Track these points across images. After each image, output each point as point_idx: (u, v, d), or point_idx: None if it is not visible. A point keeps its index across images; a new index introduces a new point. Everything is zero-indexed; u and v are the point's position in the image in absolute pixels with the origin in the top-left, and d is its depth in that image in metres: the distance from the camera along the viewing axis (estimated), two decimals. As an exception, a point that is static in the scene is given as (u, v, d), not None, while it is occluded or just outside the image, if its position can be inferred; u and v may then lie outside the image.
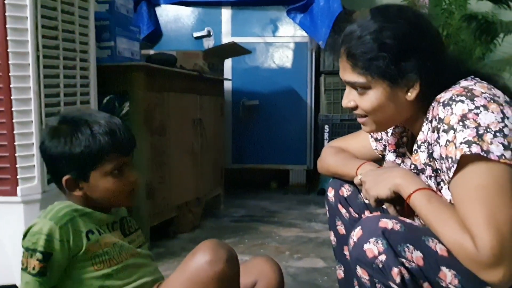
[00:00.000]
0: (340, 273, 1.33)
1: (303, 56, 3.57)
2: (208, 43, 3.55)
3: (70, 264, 0.98)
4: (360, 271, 0.94)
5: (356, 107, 1.06)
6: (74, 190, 1.02)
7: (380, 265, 0.90)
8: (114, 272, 1.00)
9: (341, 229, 1.30)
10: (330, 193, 1.32)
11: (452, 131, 0.90)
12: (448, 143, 0.90)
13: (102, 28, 2.08)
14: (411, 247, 0.90)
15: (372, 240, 0.91)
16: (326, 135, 3.46)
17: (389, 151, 1.23)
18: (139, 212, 2.09)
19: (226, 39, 3.55)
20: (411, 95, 1.01)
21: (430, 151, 0.99)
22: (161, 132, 2.30)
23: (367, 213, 1.26)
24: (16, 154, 1.54)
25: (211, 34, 3.57)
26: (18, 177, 1.55)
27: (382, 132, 1.26)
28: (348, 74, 1.04)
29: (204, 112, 2.76)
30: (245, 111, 3.62)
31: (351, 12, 3.30)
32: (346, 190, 1.29)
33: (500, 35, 2.69)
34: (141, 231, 1.14)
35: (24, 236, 0.97)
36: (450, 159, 0.90)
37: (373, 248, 0.91)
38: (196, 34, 3.57)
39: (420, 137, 1.04)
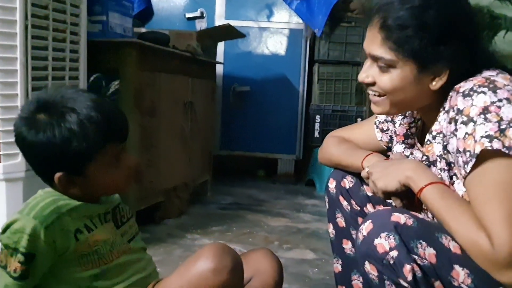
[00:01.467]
0: (338, 267, 1.29)
1: (297, 44, 3.51)
2: (201, 25, 3.45)
3: (55, 263, 0.87)
4: (368, 266, 0.89)
5: (373, 84, 0.99)
6: (69, 188, 0.89)
7: (391, 261, 0.86)
8: (103, 272, 0.91)
9: (341, 221, 1.26)
10: (331, 184, 1.27)
11: (472, 124, 0.85)
12: (466, 136, 0.85)
13: (94, 1, 1.98)
14: (424, 243, 0.86)
15: (383, 234, 0.87)
16: (317, 125, 3.42)
17: (397, 142, 1.18)
18: (126, 196, 2.02)
19: (219, 21, 3.46)
20: (436, 84, 0.95)
21: (445, 143, 0.94)
22: (151, 113, 2.22)
23: (369, 206, 1.22)
24: (-1, 129, 1.45)
25: (204, 15, 3.47)
26: (0, 153, 1.47)
27: (389, 123, 1.21)
28: (375, 46, 0.96)
29: (196, 95, 2.68)
30: (236, 97, 3.55)
31: (349, 1, 3.25)
32: (348, 182, 1.24)
33: (499, 32, 2.68)
34: (134, 220, 1.04)
35: (4, 231, 0.85)
36: (468, 153, 0.85)
37: (385, 243, 0.86)
38: (188, 15, 3.47)
39: (436, 127, 0.99)
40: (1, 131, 1.46)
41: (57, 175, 0.87)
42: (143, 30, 2.74)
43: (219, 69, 3.40)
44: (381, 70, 0.97)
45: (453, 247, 0.87)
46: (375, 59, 0.98)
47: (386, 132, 1.23)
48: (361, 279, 1.26)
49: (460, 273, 0.85)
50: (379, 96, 1.00)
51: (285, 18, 3.51)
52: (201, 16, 3.46)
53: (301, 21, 3.39)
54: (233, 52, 3.52)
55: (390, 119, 1.22)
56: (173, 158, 2.48)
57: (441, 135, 0.98)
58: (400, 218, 0.89)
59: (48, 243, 0.84)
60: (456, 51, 0.92)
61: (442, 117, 0.98)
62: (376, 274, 0.89)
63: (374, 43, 0.97)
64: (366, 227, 0.90)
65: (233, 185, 3.36)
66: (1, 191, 1.49)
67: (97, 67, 2.01)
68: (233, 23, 3.18)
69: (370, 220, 0.91)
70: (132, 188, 2.07)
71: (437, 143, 0.99)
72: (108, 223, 0.95)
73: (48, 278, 0.88)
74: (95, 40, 1.94)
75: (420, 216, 0.93)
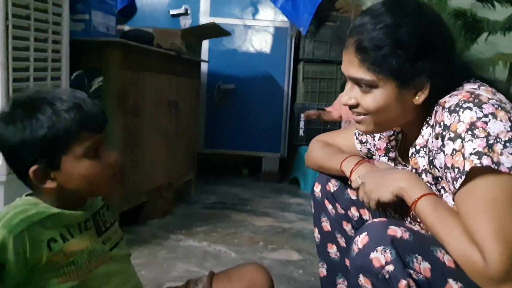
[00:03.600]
0: (323, 271, 1.30)
1: (282, 42, 3.50)
2: (185, 22, 3.42)
3: (31, 274, 0.83)
4: (362, 279, 0.89)
5: (357, 105, 0.99)
6: (44, 182, 0.85)
7: (387, 276, 0.85)
8: (81, 283, 0.87)
9: (326, 225, 1.26)
10: (317, 189, 1.27)
11: (459, 140, 0.85)
12: (454, 152, 0.85)
13: (77, -1, 1.94)
14: (419, 257, 0.86)
15: (380, 248, 0.86)
16: (301, 124, 3.42)
17: (379, 155, 1.18)
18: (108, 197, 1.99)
19: (203, 18, 3.43)
20: (419, 98, 0.95)
21: (431, 158, 0.94)
22: (135, 113, 2.19)
23: (353, 209, 1.23)
24: (-22, 132, 1.41)
25: (189, 12, 3.44)
26: (-20, 156, 1.43)
27: (367, 135, 1.21)
28: (354, 69, 0.96)
29: (180, 94, 2.66)
30: (220, 95, 3.53)
31: (334, 0, 3.26)
32: (332, 186, 1.25)
33: (481, 34, 2.71)
34: (118, 225, 1.01)
35: None
36: (456, 169, 0.85)
37: (381, 257, 0.85)
38: (172, 12, 3.43)
39: (419, 141, 0.99)
40: (-19, 134, 1.42)
41: (32, 168, 0.83)
42: (126, 27, 2.70)
43: (204, 67, 3.37)
44: (362, 91, 0.97)
45: (447, 260, 0.87)
46: (356, 81, 0.97)
47: (365, 144, 1.23)
48: (345, 283, 1.27)
49: (453, 287, 0.86)
50: (363, 115, 1.00)
51: (270, 16, 3.50)
52: (185, 13, 3.42)
53: (286, 19, 3.39)
54: (218, 50, 3.50)
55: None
56: (157, 157, 2.46)
57: (425, 149, 0.98)
58: (397, 231, 0.88)
59: (17, 253, 0.80)
60: (434, 64, 0.92)
61: (425, 131, 0.98)
62: (370, 287, 0.88)
63: (352, 66, 0.96)
64: (361, 240, 0.89)
65: (217, 184, 3.35)
66: (-19, 195, 1.45)
67: (80, 67, 1.98)
68: (218, 20, 3.15)
69: (366, 233, 0.90)
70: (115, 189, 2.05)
71: (421, 157, 0.99)
72: (89, 231, 0.91)
73: None
74: (78, 39, 1.90)
75: (416, 228, 0.93)
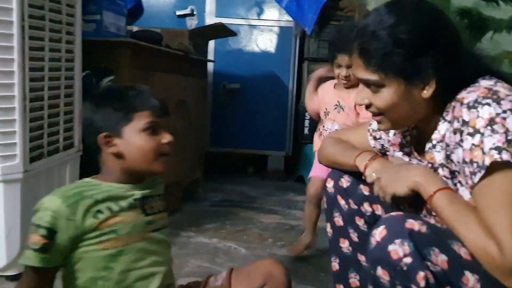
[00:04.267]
0: (335, 266, 1.32)
1: (287, 41, 3.53)
2: (191, 22, 3.45)
3: (75, 241, 0.94)
4: (380, 271, 0.90)
5: (370, 105, 1.03)
6: (109, 146, 1.00)
7: (405, 268, 0.87)
8: (119, 253, 0.96)
9: (339, 220, 1.29)
10: (329, 184, 1.30)
11: (478, 135, 0.87)
12: (473, 147, 0.87)
13: (88, 0, 1.97)
14: (436, 250, 0.88)
15: (398, 241, 0.88)
16: (306, 122, 3.44)
17: (394, 151, 1.20)
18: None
19: (209, 19, 3.45)
20: (427, 92, 0.97)
21: (448, 153, 0.96)
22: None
23: (366, 205, 1.25)
24: (-3, 130, 1.44)
25: (194, 13, 3.46)
26: (-2, 154, 1.46)
27: (381, 132, 1.24)
28: (361, 71, 1.00)
29: (188, 93, 2.69)
30: (226, 94, 3.56)
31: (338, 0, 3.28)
32: (345, 181, 1.27)
33: (486, 33, 2.73)
34: (166, 215, 1.10)
35: (35, 212, 0.94)
36: (475, 164, 0.87)
37: (399, 249, 0.87)
38: (179, 12, 3.46)
39: (435, 136, 1.01)
40: (-1, 133, 1.45)
41: (101, 134, 1.00)
42: (134, 28, 2.73)
43: (210, 66, 3.40)
44: (373, 91, 1.01)
45: (464, 253, 0.89)
46: (365, 82, 1.01)
47: (379, 141, 1.25)
48: (358, 277, 1.29)
49: (470, 279, 0.87)
50: (379, 115, 1.04)
51: (275, 16, 3.53)
52: (191, 14, 3.45)
53: (291, 19, 3.41)
54: (223, 50, 3.53)
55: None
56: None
57: (442, 144, 1.00)
58: (414, 225, 0.90)
59: (69, 221, 0.92)
60: (436, 59, 0.94)
61: (442, 127, 1.00)
62: (388, 279, 0.90)
63: (359, 68, 1.01)
64: (379, 233, 0.91)
65: (223, 182, 3.38)
66: (-1, 192, 1.48)
67: (91, 66, 2.00)
68: (223, 20, 3.18)
69: (384, 226, 0.91)
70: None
71: (437, 151, 1.01)
72: (136, 209, 1.01)
73: (70, 256, 0.95)
74: (89, 39, 1.93)
75: (432, 222, 0.95)
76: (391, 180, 1.02)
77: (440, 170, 1.01)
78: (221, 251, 2.04)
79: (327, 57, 3.32)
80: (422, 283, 0.86)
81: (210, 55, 3.41)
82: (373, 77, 0.98)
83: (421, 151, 1.09)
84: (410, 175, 0.99)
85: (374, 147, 1.27)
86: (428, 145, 1.04)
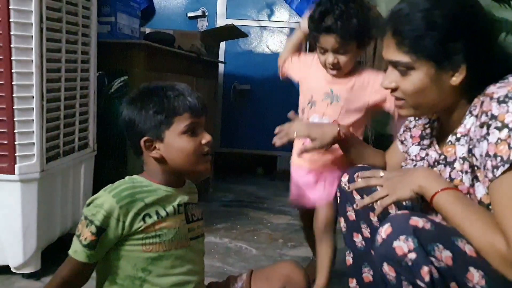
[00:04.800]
0: (349, 260, 1.32)
1: (297, 43, 3.53)
2: (202, 24, 3.47)
3: (120, 240, 0.98)
4: (386, 268, 0.93)
5: (396, 89, 1.04)
6: (151, 150, 1.02)
7: (410, 263, 0.89)
8: (159, 257, 0.99)
9: (352, 215, 1.29)
10: (344, 179, 1.30)
11: (506, 130, 0.87)
12: (499, 141, 0.88)
13: (103, 2, 2.00)
14: (440, 246, 0.90)
15: (402, 237, 0.90)
16: (316, 124, 3.46)
17: (412, 144, 1.21)
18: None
19: (220, 20, 3.48)
20: (456, 79, 0.98)
21: (471, 147, 0.96)
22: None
23: (379, 202, 1.25)
24: (15, 131, 1.48)
25: (206, 14, 3.49)
26: (16, 154, 1.49)
27: (406, 133, 1.24)
28: (392, 52, 1.01)
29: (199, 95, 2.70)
30: (237, 95, 3.57)
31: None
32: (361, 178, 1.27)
33: (499, 35, 2.71)
34: (203, 223, 1.12)
35: (88, 204, 0.98)
36: (499, 158, 0.87)
37: (403, 245, 0.90)
38: (190, 14, 3.48)
39: (461, 129, 1.02)
40: (17, 133, 1.48)
41: (143, 139, 1.01)
42: (147, 29, 2.75)
43: (220, 68, 3.42)
44: (401, 74, 1.02)
45: (469, 250, 0.90)
46: (394, 64, 1.02)
47: (404, 143, 1.26)
48: (371, 272, 1.30)
49: (474, 275, 0.89)
50: (402, 99, 1.04)
51: (286, 17, 3.54)
52: (202, 15, 3.48)
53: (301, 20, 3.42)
54: (234, 51, 3.55)
55: (406, 129, 1.26)
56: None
57: (466, 137, 1.00)
58: (419, 222, 0.92)
59: (118, 222, 0.95)
60: (468, 46, 0.96)
61: (468, 120, 1.00)
62: (394, 275, 0.92)
63: (390, 49, 1.02)
64: (385, 230, 0.93)
65: (233, 182, 3.40)
66: (16, 191, 1.51)
67: (105, 68, 2.03)
68: (234, 22, 3.20)
69: (389, 224, 0.94)
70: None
71: (461, 145, 1.01)
72: (180, 215, 1.03)
73: (111, 253, 0.99)
74: (103, 41, 1.96)
75: (437, 220, 0.97)
76: (395, 188, 1.03)
77: (457, 164, 1.01)
78: (232, 251, 2.05)
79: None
80: (427, 278, 0.88)
81: (221, 56, 3.43)
82: (404, 58, 0.99)
83: (442, 143, 1.09)
84: (414, 178, 1.01)
85: (403, 151, 1.28)
86: (451, 138, 1.04)
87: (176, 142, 1.00)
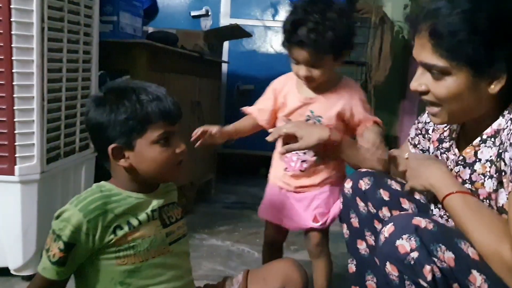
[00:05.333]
0: (352, 267, 1.30)
1: (302, 43, 3.51)
2: (206, 23, 3.45)
3: (93, 253, 0.93)
4: (389, 267, 0.91)
5: (427, 92, 0.97)
6: (119, 159, 0.95)
7: (412, 262, 0.88)
8: (136, 269, 0.94)
9: (355, 222, 1.27)
10: (348, 185, 1.27)
11: None
12: None
13: (105, 1, 1.97)
14: (443, 247, 0.88)
15: (405, 236, 0.89)
16: (320, 125, 3.43)
17: (429, 147, 1.19)
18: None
19: (224, 19, 3.45)
20: (495, 87, 0.92)
21: (501, 151, 0.92)
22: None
23: (384, 210, 1.23)
24: (15, 131, 1.46)
25: (209, 13, 3.46)
26: (16, 155, 1.47)
27: (420, 138, 1.22)
28: (426, 54, 0.94)
29: (202, 95, 2.68)
30: (240, 95, 3.55)
31: (355, 1, 3.26)
32: (364, 184, 1.24)
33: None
34: (184, 222, 1.06)
35: (56, 217, 0.92)
36: None
37: (406, 244, 0.88)
38: (193, 13, 3.46)
39: (488, 131, 0.97)
40: (17, 134, 1.46)
41: (111, 146, 0.94)
42: (150, 28, 2.73)
43: (224, 67, 3.40)
44: (435, 78, 0.95)
45: (472, 253, 0.89)
46: (428, 67, 0.95)
47: (418, 147, 1.24)
48: (374, 280, 1.28)
49: (477, 278, 0.88)
50: (435, 105, 0.98)
51: (290, 17, 3.51)
52: (206, 14, 3.45)
53: (306, 20, 3.39)
54: (238, 51, 3.52)
55: (421, 132, 1.23)
56: (180, 157, 2.49)
57: (493, 139, 0.96)
58: (421, 222, 0.91)
59: (88, 236, 0.90)
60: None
61: (498, 122, 0.95)
62: (397, 274, 0.91)
63: (424, 51, 0.94)
64: (388, 229, 0.92)
65: (235, 184, 3.37)
66: (16, 193, 1.49)
67: (107, 67, 2.00)
68: (238, 21, 3.17)
69: (392, 223, 0.93)
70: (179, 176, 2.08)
71: (488, 146, 0.97)
72: (155, 221, 0.98)
73: (86, 266, 0.94)
74: (106, 40, 1.94)
75: (441, 221, 0.95)
76: (413, 175, 1.03)
77: (478, 166, 0.98)
78: (234, 254, 2.03)
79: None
80: (429, 277, 0.86)
81: (224, 56, 3.41)
82: (440, 62, 0.92)
83: (463, 146, 1.05)
84: (428, 174, 0.99)
85: None
86: (477, 140, 0.99)
87: (147, 152, 0.94)
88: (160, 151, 0.95)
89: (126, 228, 0.94)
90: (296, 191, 1.44)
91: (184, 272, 1.03)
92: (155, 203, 0.99)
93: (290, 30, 1.27)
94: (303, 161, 1.40)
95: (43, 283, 0.93)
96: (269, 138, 1.34)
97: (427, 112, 1.05)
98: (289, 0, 3.35)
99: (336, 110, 1.36)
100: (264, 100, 1.44)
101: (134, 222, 0.95)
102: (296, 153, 1.39)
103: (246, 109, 1.48)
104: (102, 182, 0.99)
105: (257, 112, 1.45)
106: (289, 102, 1.40)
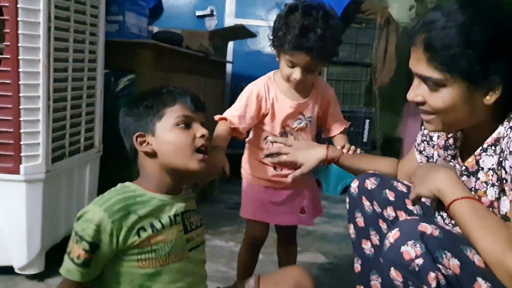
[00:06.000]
0: (357, 267, 1.30)
1: (306, 44, 3.50)
2: (211, 23, 3.44)
3: (115, 255, 0.92)
4: (394, 273, 0.91)
5: (423, 103, 0.98)
6: (142, 145, 0.98)
7: (417, 268, 0.87)
8: (157, 273, 0.93)
9: (360, 221, 1.27)
10: (354, 184, 1.27)
11: None
12: None
13: (111, 1, 1.98)
14: (448, 254, 0.88)
15: (410, 242, 0.89)
16: (324, 126, 3.42)
17: (433, 154, 1.19)
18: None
19: (229, 19, 3.45)
20: (490, 98, 0.92)
21: (501, 159, 0.92)
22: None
23: (389, 210, 1.23)
24: (21, 130, 1.46)
25: (214, 13, 3.46)
26: (21, 154, 1.47)
27: (424, 143, 1.21)
28: (421, 66, 0.94)
29: (206, 94, 2.68)
30: (244, 96, 3.54)
31: (360, 2, 3.25)
32: (370, 183, 1.24)
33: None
34: (202, 230, 1.06)
35: (78, 218, 0.91)
36: None
37: (411, 250, 0.88)
38: (198, 13, 3.46)
39: (489, 140, 0.97)
40: (23, 133, 1.46)
41: (135, 134, 0.98)
42: (155, 28, 2.73)
43: (228, 67, 3.40)
44: (430, 89, 0.95)
45: (477, 260, 0.88)
46: (423, 79, 0.96)
47: (423, 153, 1.24)
48: (379, 280, 1.28)
49: (482, 286, 0.87)
50: (430, 114, 0.99)
51: (295, 18, 3.50)
52: (211, 14, 3.45)
53: (311, 21, 3.39)
54: (242, 51, 3.52)
55: (426, 139, 1.23)
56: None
57: (493, 147, 0.96)
58: (427, 228, 0.90)
59: (112, 236, 0.89)
60: (508, 66, 0.89)
61: (498, 131, 0.95)
62: (401, 280, 0.90)
63: (420, 63, 0.95)
64: (393, 235, 0.92)
65: (238, 184, 3.34)
66: (21, 192, 1.49)
67: (112, 67, 2.01)
68: (243, 21, 3.17)
69: (398, 228, 0.93)
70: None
71: (489, 155, 0.97)
72: (177, 225, 0.98)
73: (106, 269, 0.93)
74: (111, 40, 1.94)
75: (448, 228, 0.95)
76: (419, 181, 1.01)
77: (481, 174, 0.98)
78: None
79: (346, 60, 3.36)
80: (434, 284, 0.86)
81: (229, 56, 3.41)
82: (435, 74, 0.93)
83: (465, 155, 1.05)
84: (435, 180, 0.98)
85: (421, 162, 1.25)
86: (478, 150, 0.99)
87: (167, 135, 0.96)
88: (179, 133, 0.96)
89: (149, 230, 0.93)
90: (285, 188, 1.46)
91: (200, 280, 1.04)
92: (178, 207, 0.99)
93: (298, 35, 1.27)
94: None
95: (69, 286, 0.91)
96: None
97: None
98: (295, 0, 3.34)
99: (319, 109, 1.44)
100: (244, 106, 1.39)
101: (158, 225, 0.94)
102: None
103: (226, 116, 1.39)
104: (127, 183, 0.99)
105: (238, 119, 1.37)
106: (279, 110, 1.39)
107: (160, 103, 0.97)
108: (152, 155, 0.97)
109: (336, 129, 1.49)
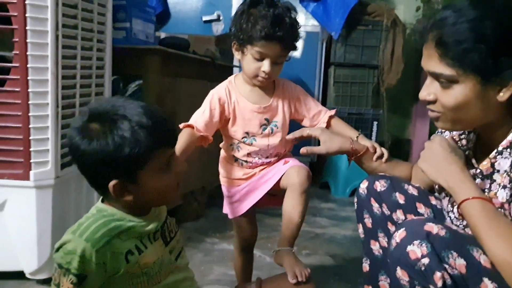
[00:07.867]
0: (366, 267, 1.30)
1: (313, 46, 3.50)
2: (217, 28, 3.46)
3: (105, 283, 0.89)
4: (400, 272, 0.92)
5: (434, 101, 0.98)
6: (123, 195, 0.88)
7: (423, 268, 0.88)
8: None
9: (368, 222, 1.27)
10: (363, 185, 1.27)
11: None
12: None
13: (118, 8, 2.00)
14: (455, 254, 0.88)
15: (416, 242, 0.89)
16: (332, 128, 3.42)
17: None
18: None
19: (235, 24, 3.47)
20: (504, 95, 0.92)
21: None
22: (171, 117, 2.24)
23: (398, 213, 1.23)
24: (30, 137, 1.48)
25: (221, 18, 3.48)
26: (31, 161, 1.50)
27: None
28: (433, 63, 0.94)
29: (214, 99, 2.70)
30: (251, 99, 3.56)
31: (366, 4, 3.25)
32: (380, 185, 1.24)
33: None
34: (180, 233, 1.05)
35: (57, 250, 0.86)
36: None
37: (417, 250, 0.89)
38: (205, 18, 3.48)
39: (504, 142, 0.96)
40: (32, 140, 1.49)
41: (112, 183, 0.85)
42: (162, 34, 2.76)
43: (235, 72, 3.41)
44: (443, 86, 0.95)
45: (484, 260, 0.88)
46: (435, 76, 0.96)
47: None
48: (388, 280, 1.27)
49: (488, 286, 0.87)
50: (438, 112, 0.98)
51: (302, 20, 3.48)
52: (217, 19, 3.47)
53: (317, 24, 3.39)
54: (249, 55, 3.53)
55: None
56: (192, 161, 2.50)
57: (509, 150, 0.95)
58: (433, 228, 0.91)
59: (99, 265, 0.85)
60: None
61: None
62: (407, 279, 0.91)
63: (432, 60, 0.95)
64: (399, 235, 0.92)
65: (247, 187, 3.37)
66: (31, 198, 1.51)
67: (120, 73, 2.03)
68: (250, 26, 3.18)
69: (404, 228, 0.93)
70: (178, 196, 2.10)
71: (505, 158, 0.96)
72: (157, 241, 0.95)
73: None
74: (119, 46, 1.96)
75: (454, 228, 0.95)
76: (430, 164, 1.00)
77: (496, 176, 0.97)
78: (246, 259, 2.03)
79: (353, 62, 3.36)
80: (440, 283, 0.86)
81: (236, 61, 3.42)
82: (447, 71, 0.93)
83: (479, 157, 1.04)
84: (446, 174, 0.97)
85: None
86: (493, 153, 0.99)
87: (152, 182, 0.87)
88: (163, 177, 0.89)
89: (136, 253, 0.90)
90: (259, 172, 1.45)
91: (192, 282, 1.04)
92: (153, 225, 0.94)
93: (271, 25, 1.25)
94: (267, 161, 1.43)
95: None
96: (289, 137, 1.37)
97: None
98: (300, 3, 3.36)
99: (288, 109, 1.41)
100: (207, 112, 1.37)
101: (142, 247, 0.92)
102: (259, 158, 1.42)
103: (191, 123, 1.36)
104: (102, 205, 0.92)
105: (205, 127, 1.35)
106: (240, 113, 1.37)
107: (144, 153, 0.84)
108: (133, 201, 0.90)
109: (324, 118, 1.43)
